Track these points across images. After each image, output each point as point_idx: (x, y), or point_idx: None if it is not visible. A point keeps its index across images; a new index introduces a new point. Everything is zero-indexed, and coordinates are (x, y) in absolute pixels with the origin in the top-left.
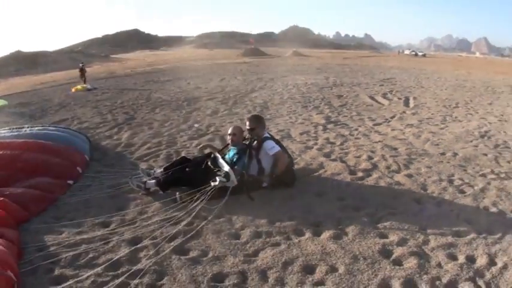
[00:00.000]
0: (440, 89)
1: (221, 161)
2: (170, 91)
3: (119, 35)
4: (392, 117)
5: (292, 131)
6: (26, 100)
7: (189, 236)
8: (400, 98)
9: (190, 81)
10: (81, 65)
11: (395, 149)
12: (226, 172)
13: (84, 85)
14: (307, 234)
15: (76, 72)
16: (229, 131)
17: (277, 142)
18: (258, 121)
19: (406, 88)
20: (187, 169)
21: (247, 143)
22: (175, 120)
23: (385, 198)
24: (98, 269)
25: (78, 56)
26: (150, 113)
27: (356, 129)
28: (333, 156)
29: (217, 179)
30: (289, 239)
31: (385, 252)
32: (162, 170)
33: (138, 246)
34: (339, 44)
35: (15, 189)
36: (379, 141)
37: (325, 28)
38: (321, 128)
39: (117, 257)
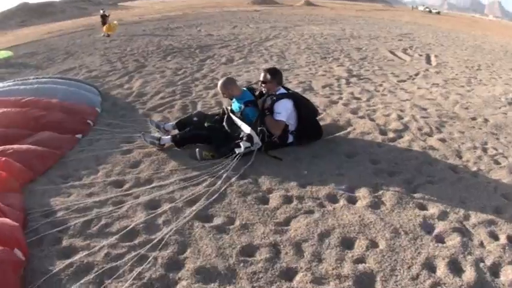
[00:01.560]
0: (460, 49)
1: (236, 119)
2: (181, 38)
3: None
4: (416, 75)
5: (313, 83)
6: (32, 50)
7: (212, 199)
8: (421, 55)
9: (201, 29)
10: (101, 11)
11: (425, 109)
12: (249, 134)
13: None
14: (342, 201)
15: (85, 20)
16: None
17: (296, 99)
18: (272, 75)
19: (425, 45)
20: (205, 125)
21: (264, 96)
22: (189, 69)
23: (420, 163)
24: (112, 239)
25: (84, 5)
26: (161, 61)
27: (380, 85)
28: (360, 113)
29: (241, 145)
30: (323, 206)
31: (427, 227)
32: (174, 123)
33: (157, 212)
34: None
35: (20, 146)
36: (407, 99)
37: None
38: (343, 81)
39: (133, 224)
